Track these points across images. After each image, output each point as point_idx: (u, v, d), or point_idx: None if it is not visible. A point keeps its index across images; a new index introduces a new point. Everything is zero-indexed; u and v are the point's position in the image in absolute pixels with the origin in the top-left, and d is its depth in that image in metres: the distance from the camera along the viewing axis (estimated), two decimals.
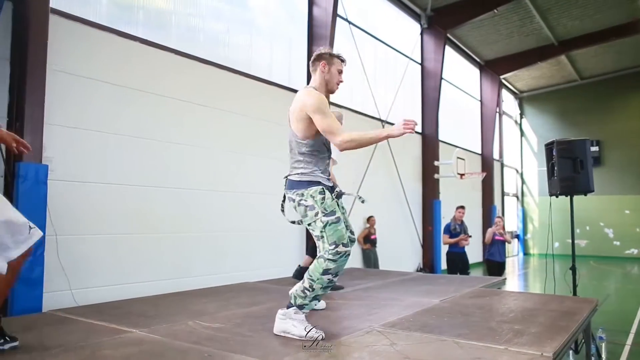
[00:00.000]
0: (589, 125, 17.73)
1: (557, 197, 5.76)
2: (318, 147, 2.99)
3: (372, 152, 9.68)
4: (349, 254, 2.86)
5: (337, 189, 2.99)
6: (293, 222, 3.18)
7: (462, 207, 8.26)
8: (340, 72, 3.08)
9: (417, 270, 11.17)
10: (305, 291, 2.86)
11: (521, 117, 20.27)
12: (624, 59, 16.31)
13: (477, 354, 2.59)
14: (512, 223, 19.02)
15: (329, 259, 2.80)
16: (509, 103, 19.49)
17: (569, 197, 5.65)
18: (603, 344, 4.45)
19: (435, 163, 11.94)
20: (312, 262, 2.96)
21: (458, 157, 12.01)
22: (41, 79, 4.41)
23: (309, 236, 7.11)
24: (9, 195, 4.19)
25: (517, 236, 19.21)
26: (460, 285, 5.37)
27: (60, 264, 4.53)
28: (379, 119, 10.28)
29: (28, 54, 4.31)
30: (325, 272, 2.80)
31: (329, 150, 3.09)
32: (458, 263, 7.97)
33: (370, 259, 9.31)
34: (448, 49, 12.84)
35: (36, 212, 4.19)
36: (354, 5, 9.65)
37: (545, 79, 18.30)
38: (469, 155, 14.01)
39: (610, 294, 9.70)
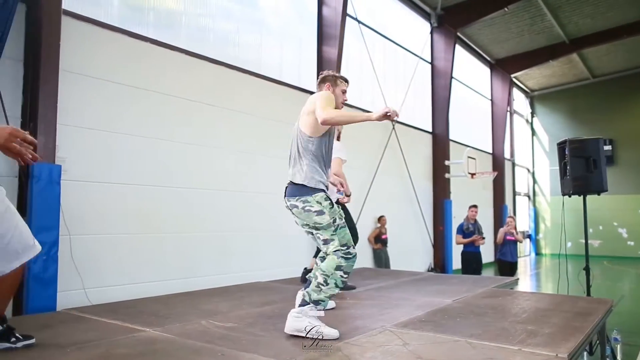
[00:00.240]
0: (601, 124, 17.52)
1: (569, 196, 5.70)
2: (322, 149, 3.07)
3: (383, 151, 9.64)
4: (356, 255, 3.01)
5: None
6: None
7: (475, 206, 8.12)
8: (344, 92, 3.29)
9: (428, 270, 11.14)
10: (320, 286, 2.89)
11: (532, 116, 20.08)
12: (636, 57, 16.08)
13: (490, 354, 2.57)
14: (523, 223, 18.86)
15: (341, 257, 2.91)
16: (520, 102, 19.32)
17: (581, 196, 5.58)
18: (618, 346, 4.38)
19: (446, 162, 11.89)
20: None
21: (469, 157, 11.94)
22: (54, 80, 4.45)
23: None
24: (23, 195, 4.26)
25: (529, 236, 19.05)
26: (472, 285, 5.33)
27: (74, 263, 4.57)
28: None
29: (41, 55, 4.35)
30: (339, 267, 2.89)
31: (329, 159, 3.17)
32: (472, 263, 7.90)
33: (381, 258, 9.28)
34: (458, 47, 12.77)
35: (50, 211, 4.26)
36: (363, 4, 9.63)
37: (557, 78, 18.11)
38: (480, 155, 13.90)
39: (625, 294, 9.56)
